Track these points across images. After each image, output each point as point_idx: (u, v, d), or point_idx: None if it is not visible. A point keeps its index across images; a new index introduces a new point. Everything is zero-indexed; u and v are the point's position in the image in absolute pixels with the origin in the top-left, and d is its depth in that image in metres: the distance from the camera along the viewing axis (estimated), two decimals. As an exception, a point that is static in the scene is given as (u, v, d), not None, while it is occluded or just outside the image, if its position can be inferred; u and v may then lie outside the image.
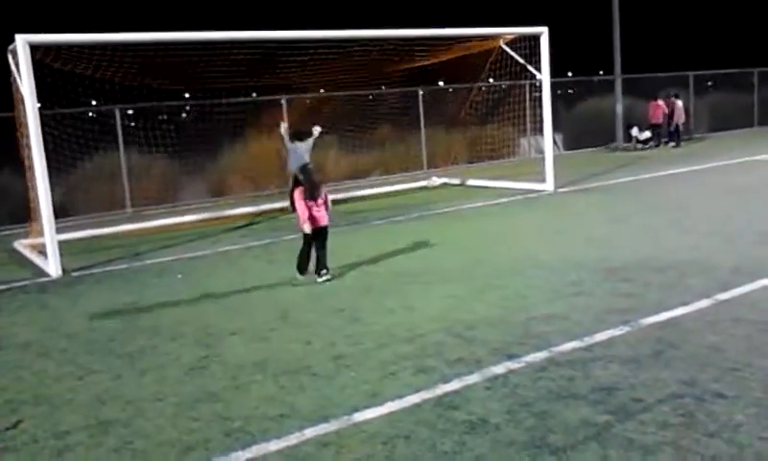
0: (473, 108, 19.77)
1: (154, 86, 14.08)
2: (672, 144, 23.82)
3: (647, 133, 23.99)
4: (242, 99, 18.02)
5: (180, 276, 9.40)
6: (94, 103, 16.89)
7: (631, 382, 4.94)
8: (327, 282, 8.43)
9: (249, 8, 53.73)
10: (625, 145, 24.47)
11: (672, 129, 24.11)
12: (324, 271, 8.68)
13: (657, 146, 23.85)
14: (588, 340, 5.83)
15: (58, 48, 10.93)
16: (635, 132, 24.13)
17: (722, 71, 29.41)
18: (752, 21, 54.92)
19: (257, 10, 53.89)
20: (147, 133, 17.06)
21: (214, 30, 11.76)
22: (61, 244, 10.46)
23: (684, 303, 6.64)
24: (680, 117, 24.13)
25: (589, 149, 24.61)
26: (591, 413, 4.51)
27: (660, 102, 23.91)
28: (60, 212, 12.36)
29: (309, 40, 13.36)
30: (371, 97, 19.93)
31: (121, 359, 6.21)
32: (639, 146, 23.71)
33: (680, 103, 24.13)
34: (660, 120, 23.82)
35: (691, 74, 27.92)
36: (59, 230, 10.49)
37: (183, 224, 13.71)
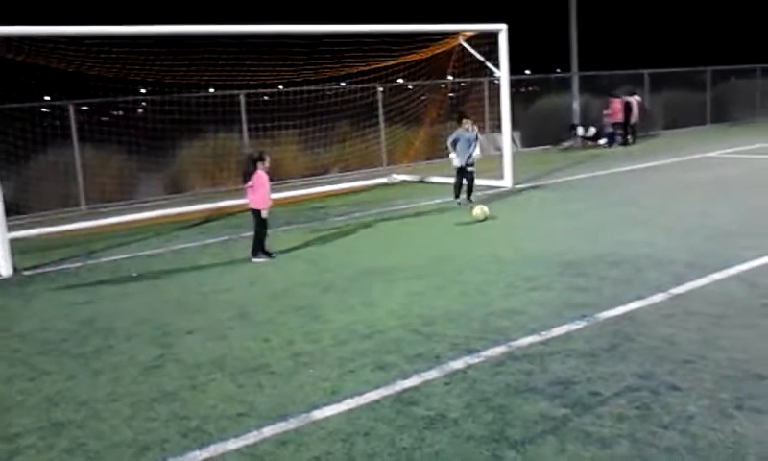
0: (440, 107, 19.81)
1: (109, 76, 13.81)
2: (619, 142, 23.89)
3: (593, 130, 24.20)
4: (200, 94, 17.79)
5: (134, 273, 9.26)
6: (47, 98, 16.54)
7: (588, 376, 4.99)
8: (284, 275, 8.40)
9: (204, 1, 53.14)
10: (569, 144, 24.59)
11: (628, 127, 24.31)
12: (258, 256, 9.55)
13: (620, 144, 23.73)
14: (546, 334, 5.88)
15: (8, 39, 10.67)
16: (580, 131, 24.42)
17: (676, 70, 29.94)
18: (705, 21, 56.07)
19: (214, 4, 53.32)
20: (102, 129, 16.76)
21: (171, 24, 11.60)
22: (13, 242, 10.21)
23: (640, 297, 6.74)
24: (635, 115, 24.43)
25: (548, 146, 24.82)
26: (549, 407, 4.55)
27: (618, 100, 23.98)
28: (11, 210, 12.06)
29: (267, 35, 13.26)
30: (330, 93, 19.85)
31: (75, 360, 6.08)
32: (590, 143, 23.88)
33: (634, 100, 24.38)
34: (620, 118, 23.91)
35: (646, 72, 28.34)
36: (10, 228, 10.25)
37: (139, 221, 13.49)
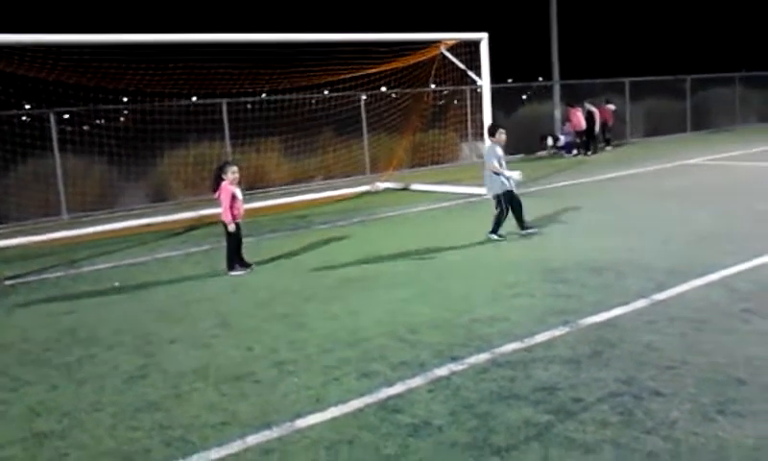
0: (422, 115, 19.88)
1: (90, 86, 13.76)
2: (581, 152, 23.82)
3: (562, 139, 24.40)
4: (182, 103, 17.75)
5: (117, 283, 9.20)
6: (27, 106, 16.43)
7: (571, 382, 5.02)
8: (271, 285, 8.38)
9: (187, 10, 53.03)
10: (544, 153, 24.81)
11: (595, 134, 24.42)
12: (234, 269, 9.27)
13: (586, 153, 23.67)
14: (529, 341, 5.91)
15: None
16: (550, 141, 24.70)
17: (657, 78, 30.22)
18: (685, 30, 56.67)
19: (197, 13, 53.26)
20: (83, 138, 16.67)
21: (153, 32, 11.57)
22: (-7, 252, 10.14)
23: (622, 304, 6.78)
24: (608, 124, 24.70)
25: (530, 154, 24.94)
26: (533, 413, 4.57)
27: (578, 109, 23.84)
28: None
29: (249, 44, 13.27)
30: (313, 102, 19.88)
31: (57, 370, 6.03)
32: (567, 154, 23.93)
33: (601, 109, 24.50)
34: (582, 127, 23.75)
35: (627, 80, 28.61)
36: (-10, 238, 10.18)
37: (121, 230, 13.42)
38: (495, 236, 10.21)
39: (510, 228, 10.34)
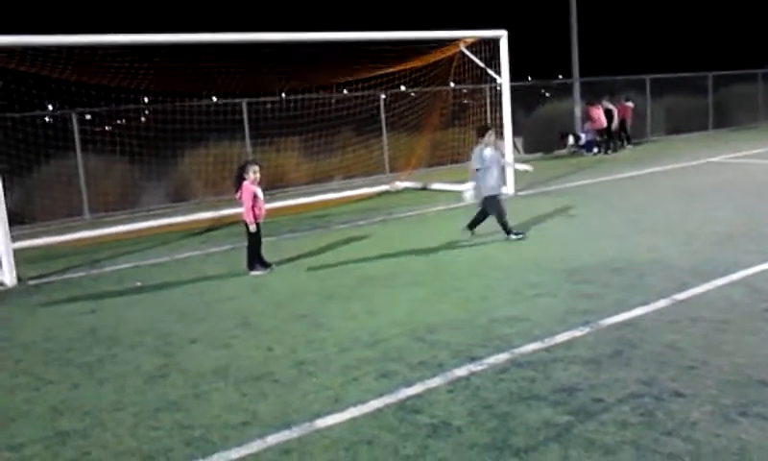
0: (441, 114, 19.83)
1: (111, 86, 13.89)
2: (603, 150, 23.68)
3: (583, 137, 24.23)
4: (202, 102, 17.86)
5: (139, 283, 9.27)
6: (50, 107, 16.61)
7: (591, 383, 4.99)
8: (289, 284, 8.40)
9: (207, 11, 53.28)
10: (560, 152, 24.63)
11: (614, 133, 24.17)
12: (255, 269, 9.27)
13: (607, 152, 23.53)
14: (549, 341, 5.88)
15: (11, 50, 10.71)
16: (571, 140, 24.52)
17: (678, 75, 29.93)
18: (706, 26, 56.13)
19: (217, 13, 53.49)
20: (105, 138, 16.81)
21: (173, 32, 11.63)
22: (17, 252, 10.24)
23: (643, 304, 6.74)
24: (625, 121, 24.47)
25: (549, 152, 24.80)
26: (552, 414, 4.55)
27: (598, 107, 23.65)
28: (15, 219, 12.10)
29: (269, 44, 13.30)
30: (333, 101, 19.90)
31: (79, 369, 6.09)
32: (587, 153, 23.79)
33: (618, 107, 24.26)
34: (603, 125, 23.54)
35: (648, 77, 28.35)
36: (14, 238, 10.28)
37: (143, 230, 13.51)
38: (513, 236, 10.17)
39: (521, 225, 10.29)
